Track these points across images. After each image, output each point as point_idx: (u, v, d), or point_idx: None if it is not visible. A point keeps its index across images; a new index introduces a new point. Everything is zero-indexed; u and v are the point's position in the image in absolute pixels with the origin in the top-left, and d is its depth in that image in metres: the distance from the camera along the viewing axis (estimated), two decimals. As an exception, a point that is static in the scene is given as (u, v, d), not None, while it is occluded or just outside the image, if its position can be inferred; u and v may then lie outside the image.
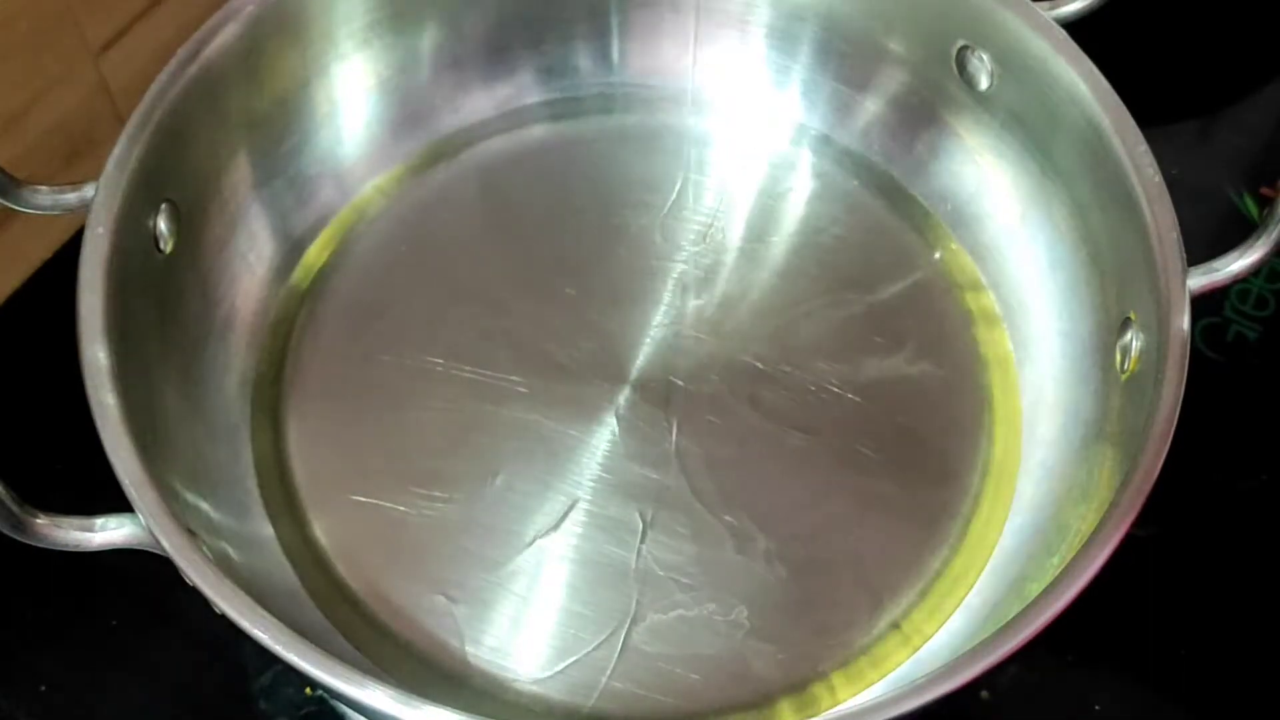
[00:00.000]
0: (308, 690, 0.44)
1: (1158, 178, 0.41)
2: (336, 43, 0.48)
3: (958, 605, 0.42)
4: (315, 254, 0.49)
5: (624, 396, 0.46)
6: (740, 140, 0.52)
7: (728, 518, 0.43)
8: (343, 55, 0.48)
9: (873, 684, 0.41)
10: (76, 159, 0.51)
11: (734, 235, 0.50)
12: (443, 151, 0.51)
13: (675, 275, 0.49)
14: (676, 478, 0.44)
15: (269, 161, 0.47)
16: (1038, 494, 0.44)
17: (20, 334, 0.50)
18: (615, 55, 0.53)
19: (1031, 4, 0.44)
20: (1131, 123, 0.42)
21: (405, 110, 0.51)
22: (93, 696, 0.44)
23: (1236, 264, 0.40)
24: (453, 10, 0.50)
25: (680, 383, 0.46)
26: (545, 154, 0.51)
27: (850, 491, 0.44)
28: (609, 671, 0.41)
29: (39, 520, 0.35)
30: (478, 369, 0.46)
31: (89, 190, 0.40)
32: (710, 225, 0.50)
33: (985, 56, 0.47)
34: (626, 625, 0.41)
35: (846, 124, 0.52)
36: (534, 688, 0.41)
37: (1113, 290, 0.43)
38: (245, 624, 0.33)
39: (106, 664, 0.45)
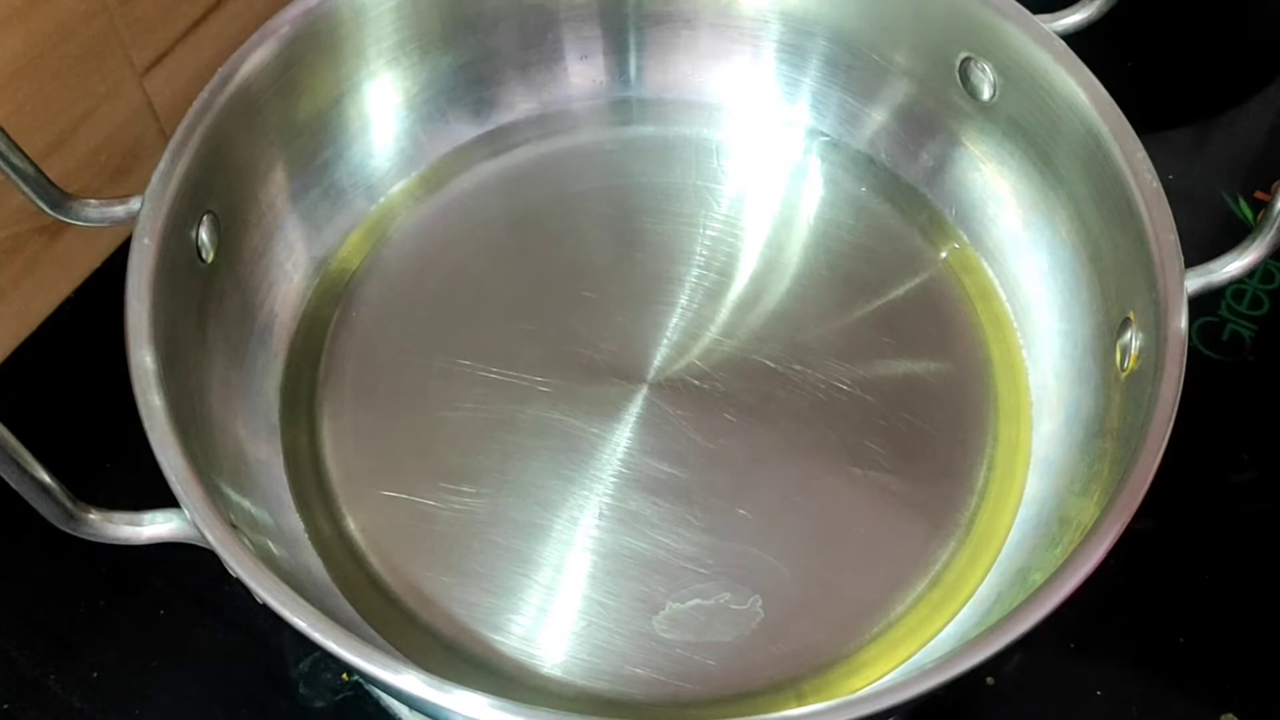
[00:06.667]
0: (344, 676, 0.45)
1: (1155, 183, 0.41)
2: (368, 61, 0.48)
3: (967, 598, 0.42)
4: (348, 261, 0.49)
5: (643, 396, 0.46)
6: (753, 149, 0.53)
7: (742, 511, 0.44)
8: (373, 73, 0.49)
9: (883, 672, 0.41)
10: (123, 174, 0.52)
11: (747, 240, 0.50)
12: (467, 162, 0.52)
13: (691, 279, 0.49)
14: (693, 473, 0.44)
15: (304, 174, 0.48)
16: (1041, 488, 0.44)
17: (71, 339, 0.51)
18: (633, 70, 0.53)
19: (1032, 16, 0.45)
20: (1130, 130, 0.42)
21: (432, 124, 0.51)
22: (141, 682, 0.44)
23: (1232, 265, 0.41)
24: (478, 29, 0.50)
25: (696, 382, 0.46)
26: (566, 164, 0.52)
27: (860, 486, 0.44)
28: (630, 658, 0.41)
29: (91, 515, 0.36)
30: (503, 370, 0.47)
31: (135, 203, 0.40)
32: (724, 231, 0.51)
33: (988, 67, 0.47)
34: (646, 614, 0.42)
35: (855, 133, 0.52)
36: (559, 674, 0.41)
37: (1113, 291, 0.43)
38: (286, 613, 0.33)
39: (154, 651, 0.45)
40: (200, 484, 0.35)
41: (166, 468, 0.36)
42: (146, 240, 0.39)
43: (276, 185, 0.47)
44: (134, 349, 0.37)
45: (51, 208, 0.41)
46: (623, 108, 0.53)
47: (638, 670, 0.41)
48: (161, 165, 0.41)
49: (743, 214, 0.51)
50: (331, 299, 0.49)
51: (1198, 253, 0.41)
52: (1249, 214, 0.56)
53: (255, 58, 0.44)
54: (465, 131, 0.52)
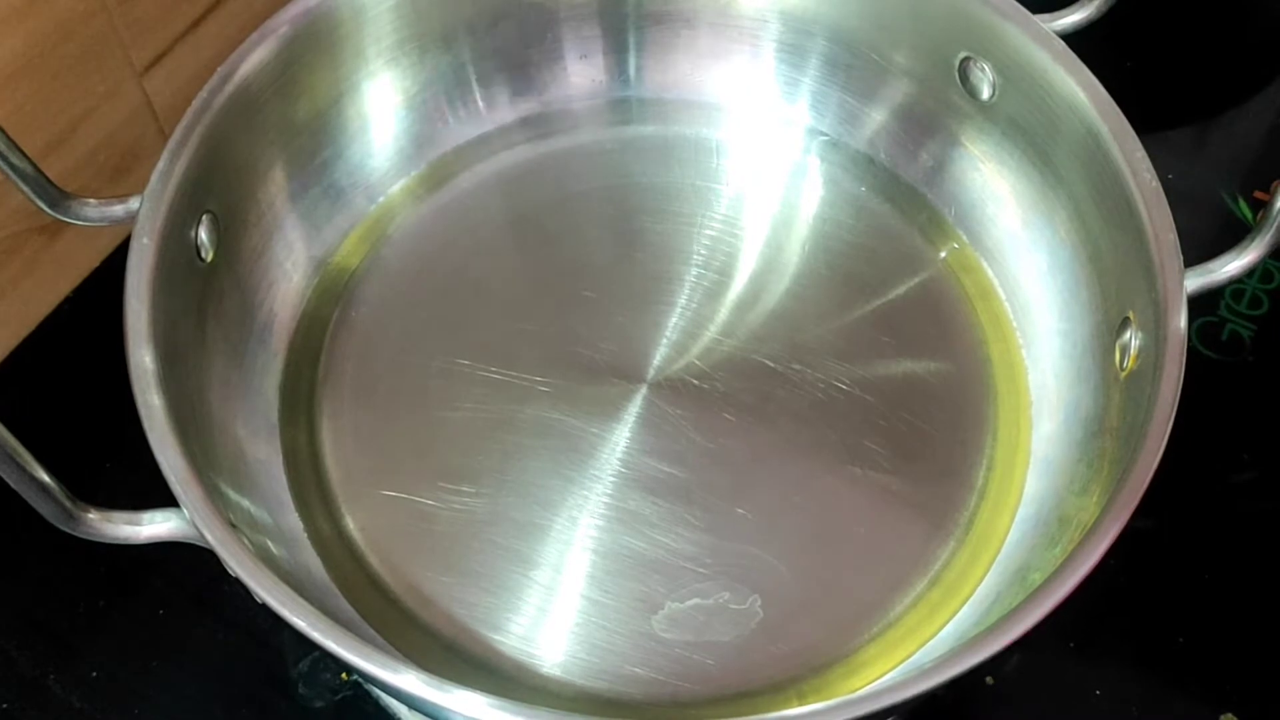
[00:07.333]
0: (344, 675, 0.45)
1: (1155, 183, 0.41)
2: (367, 60, 0.49)
3: (967, 598, 0.42)
4: (347, 260, 0.49)
5: (642, 395, 0.46)
6: (753, 149, 0.53)
7: (742, 511, 0.44)
8: (373, 72, 0.49)
9: (882, 672, 0.41)
10: (122, 173, 0.52)
11: (747, 240, 0.51)
12: (467, 161, 0.52)
13: (691, 279, 0.49)
14: (692, 472, 0.44)
15: (304, 174, 0.48)
16: (1040, 487, 0.44)
17: (71, 339, 0.52)
18: (633, 70, 0.53)
19: (1032, 16, 0.45)
20: (1129, 130, 0.42)
21: (431, 124, 0.51)
22: (141, 682, 0.45)
23: (1231, 265, 0.41)
24: (476, 28, 0.51)
25: (696, 382, 0.46)
26: (566, 163, 0.52)
27: (860, 486, 0.44)
28: (629, 658, 0.41)
29: (90, 515, 0.36)
30: (503, 369, 0.47)
31: (134, 203, 0.40)
32: (724, 231, 0.51)
33: (987, 67, 0.47)
34: (645, 614, 0.42)
35: (854, 133, 0.52)
36: (558, 673, 0.41)
37: (1112, 291, 0.44)
38: (285, 613, 0.33)
39: (154, 651, 0.45)
40: (200, 484, 0.35)
41: (166, 467, 0.36)
42: (146, 240, 0.39)
43: (276, 185, 0.47)
44: (133, 349, 0.38)
45: (51, 207, 0.41)
46: (622, 107, 0.54)
47: (637, 670, 0.41)
48: (160, 165, 0.41)
49: (742, 214, 0.51)
50: (331, 298, 0.49)
51: (1197, 253, 0.41)
52: (1248, 214, 0.56)
53: (254, 57, 0.44)
54: (465, 131, 0.52)
